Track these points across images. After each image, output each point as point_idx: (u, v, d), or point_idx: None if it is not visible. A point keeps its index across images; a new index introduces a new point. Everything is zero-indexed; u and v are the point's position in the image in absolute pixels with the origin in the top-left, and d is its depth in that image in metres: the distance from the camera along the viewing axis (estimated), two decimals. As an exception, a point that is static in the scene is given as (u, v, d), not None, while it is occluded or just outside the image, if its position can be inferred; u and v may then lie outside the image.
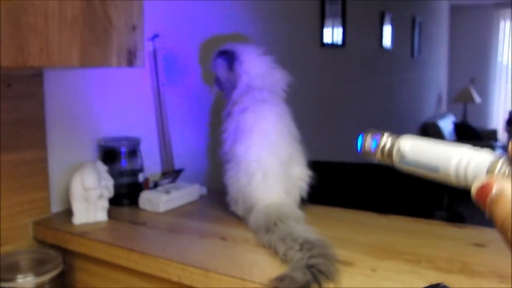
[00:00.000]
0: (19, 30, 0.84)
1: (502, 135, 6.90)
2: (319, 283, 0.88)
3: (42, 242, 1.27)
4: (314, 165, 1.33)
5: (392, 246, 1.08)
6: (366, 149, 0.52)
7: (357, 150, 0.53)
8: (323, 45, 2.84)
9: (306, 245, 0.99)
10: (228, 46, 1.41)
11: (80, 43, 0.95)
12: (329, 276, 0.90)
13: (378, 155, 0.51)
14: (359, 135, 0.54)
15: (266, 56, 1.39)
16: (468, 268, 0.95)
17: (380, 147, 0.51)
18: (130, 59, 1.04)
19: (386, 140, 0.50)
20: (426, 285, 0.86)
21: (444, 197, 1.96)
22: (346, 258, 0.99)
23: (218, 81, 1.45)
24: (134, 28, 1.06)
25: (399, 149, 0.48)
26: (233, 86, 1.37)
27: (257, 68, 1.36)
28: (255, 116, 1.27)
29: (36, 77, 1.25)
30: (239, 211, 1.27)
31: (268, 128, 1.26)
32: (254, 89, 1.32)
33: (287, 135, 1.29)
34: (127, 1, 1.03)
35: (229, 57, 1.38)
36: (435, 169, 0.44)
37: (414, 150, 0.47)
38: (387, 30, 4.09)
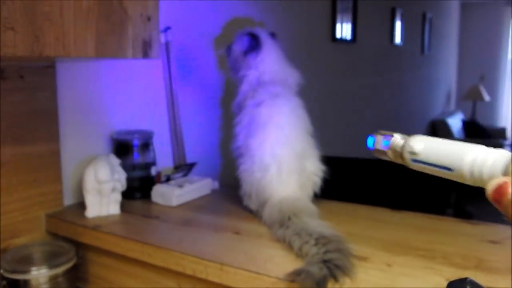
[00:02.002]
0: (34, 19, 0.83)
1: (511, 134, 6.85)
2: (335, 278, 0.87)
3: (55, 235, 1.27)
4: (326, 160, 1.32)
5: (406, 242, 1.07)
6: (378, 148, 0.53)
7: (369, 148, 0.54)
8: (334, 40, 2.82)
9: (321, 240, 0.98)
10: (258, 30, 1.40)
11: (96, 33, 0.94)
12: (345, 271, 0.89)
13: (390, 154, 0.51)
14: (368, 136, 0.55)
15: (282, 52, 1.39)
16: (483, 264, 0.94)
17: (392, 147, 0.51)
18: (146, 50, 1.03)
19: (397, 140, 0.51)
20: (443, 280, 0.85)
21: (451, 194, 1.94)
22: (361, 253, 0.99)
23: (231, 57, 1.44)
24: (149, 19, 1.05)
25: (411, 149, 0.48)
26: (238, 68, 1.37)
27: (274, 64, 1.36)
28: (270, 110, 1.26)
29: (48, 68, 1.24)
30: (253, 205, 1.26)
31: (282, 122, 1.25)
32: (268, 83, 1.31)
33: (301, 129, 1.28)
34: (142, -8, 1.02)
35: (253, 42, 1.37)
36: (448, 168, 0.44)
37: (427, 150, 0.47)
38: (398, 27, 4.07)
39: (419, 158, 0.47)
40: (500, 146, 5.61)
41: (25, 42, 0.82)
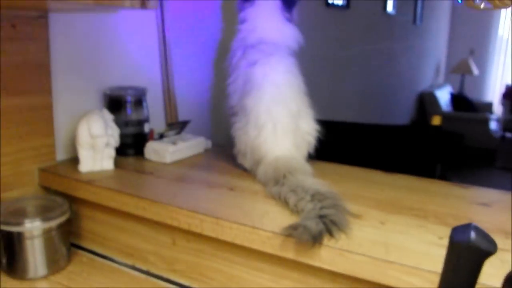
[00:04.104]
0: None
1: (497, 108, 6.91)
2: (331, 233, 0.88)
3: (47, 189, 1.26)
4: (319, 123, 1.32)
5: (399, 202, 1.08)
6: None
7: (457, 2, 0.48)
8: (328, 5, 2.79)
9: (317, 196, 0.98)
10: None
11: (93, -20, 0.91)
12: (340, 227, 0.90)
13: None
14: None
15: (278, 11, 1.36)
16: (474, 224, 0.95)
17: None
18: (143, 0, 1.00)
19: None
20: (435, 238, 0.87)
21: (437, 166, 1.96)
22: (355, 211, 1.00)
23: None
24: (146, -32, 1.02)
25: None
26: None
27: (268, 21, 1.34)
28: (264, 68, 1.24)
29: (41, 18, 1.21)
30: (247, 163, 1.26)
31: (277, 80, 1.24)
32: (261, 42, 1.29)
33: (296, 88, 1.27)
34: None
35: None
36: None
37: None
38: (391, -5, 4.04)
39: None
40: (487, 120, 5.67)
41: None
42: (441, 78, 7.08)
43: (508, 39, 7.13)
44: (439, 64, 6.85)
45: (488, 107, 6.70)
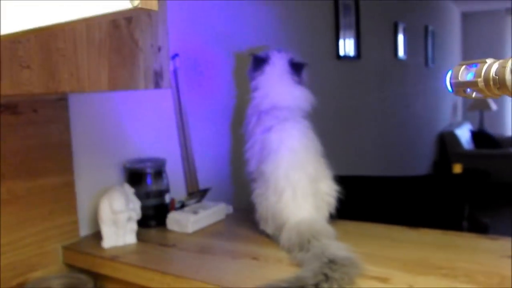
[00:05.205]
0: (49, 56, 0.84)
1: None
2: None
3: (72, 267, 1.26)
4: (337, 179, 1.32)
5: (426, 261, 1.06)
6: (459, 83, 0.47)
7: (448, 89, 0.49)
8: (339, 57, 2.83)
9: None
10: (268, 54, 1.44)
11: (108, 66, 0.95)
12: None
13: (481, 84, 0.46)
14: (448, 71, 0.49)
15: (287, 74, 1.40)
16: (506, 281, 0.93)
17: (484, 73, 0.46)
18: (157, 81, 1.04)
19: (489, 64, 0.45)
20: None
21: (465, 207, 1.93)
22: (381, 274, 0.98)
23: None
24: (159, 49, 1.06)
25: None
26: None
27: (279, 87, 1.37)
28: (280, 135, 1.27)
29: (61, 101, 1.25)
30: (269, 229, 1.25)
31: (294, 145, 1.26)
32: (274, 108, 1.32)
33: (313, 150, 1.29)
34: (152, 23, 1.04)
35: (256, 63, 1.42)
36: None
37: None
38: (401, 40, 4.08)
39: None
40: (510, 154, 5.57)
41: (41, 79, 0.83)
42: (459, 116, 7.04)
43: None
44: (456, 102, 6.83)
45: (510, 141, 6.59)
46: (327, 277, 0.92)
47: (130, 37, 0.99)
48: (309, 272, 0.94)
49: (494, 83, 0.45)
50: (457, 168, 1.98)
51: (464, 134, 6.10)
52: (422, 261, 1.06)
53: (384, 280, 0.96)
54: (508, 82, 0.44)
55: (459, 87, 0.49)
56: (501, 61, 0.45)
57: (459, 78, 0.48)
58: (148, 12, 1.02)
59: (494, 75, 0.45)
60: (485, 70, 0.46)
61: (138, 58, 1.01)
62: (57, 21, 0.42)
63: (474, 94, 0.47)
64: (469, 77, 0.48)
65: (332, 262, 0.97)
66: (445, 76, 0.50)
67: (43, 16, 0.45)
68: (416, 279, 0.96)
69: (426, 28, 4.98)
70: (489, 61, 0.46)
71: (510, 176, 5.27)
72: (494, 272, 0.97)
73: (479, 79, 0.46)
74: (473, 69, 0.47)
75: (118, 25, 0.97)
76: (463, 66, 0.48)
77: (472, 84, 0.47)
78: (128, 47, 0.99)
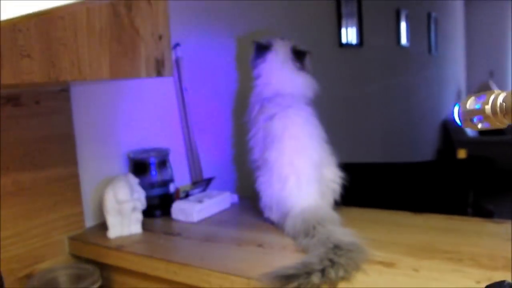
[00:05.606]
0: (49, 45, 0.84)
1: (525, 128, 6.77)
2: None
3: (78, 257, 1.27)
4: (341, 167, 1.32)
5: (431, 245, 1.06)
6: (467, 112, 0.48)
7: (456, 123, 0.49)
8: (341, 45, 2.82)
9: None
10: (271, 41, 1.43)
11: (109, 55, 0.94)
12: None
13: (489, 115, 0.47)
14: (455, 104, 0.50)
15: (290, 61, 1.39)
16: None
17: (492, 101, 0.47)
18: (158, 69, 1.03)
19: (498, 93, 0.47)
20: (473, 283, 0.84)
21: (469, 193, 1.93)
22: (386, 259, 0.98)
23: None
24: (160, 37, 1.05)
25: None
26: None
27: (281, 75, 1.37)
28: (283, 122, 1.26)
29: (63, 92, 1.25)
30: (274, 216, 1.25)
31: (297, 132, 1.26)
32: (276, 95, 1.32)
33: (316, 137, 1.28)
34: (152, 11, 1.03)
35: (258, 51, 1.41)
36: None
37: None
38: (403, 28, 4.05)
39: None
40: (515, 141, 5.56)
41: (42, 68, 0.82)
42: (463, 103, 7.00)
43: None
44: (460, 90, 6.80)
45: (515, 128, 6.57)
46: (333, 263, 0.92)
47: (131, 25, 0.99)
48: (315, 258, 0.94)
49: (501, 110, 0.46)
50: (462, 154, 1.97)
51: (468, 121, 6.07)
52: (427, 246, 1.06)
53: (389, 265, 0.96)
54: None
55: (467, 115, 0.50)
56: (509, 91, 0.46)
57: (467, 107, 0.49)
58: (148, 1, 1.02)
59: (501, 101, 0.46)
60: (493, 98, 0.47)
61: (139, 46, 1.00)
62: (56, 4, 0.42)
63: (480, 125, 0.48)
64: (477, 107, 0.48)
65: (337, 247, 0.97)
66: (453, 110, 0.50)
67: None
68: (421, 263, 0.96)
69: (429, 15, 4.95)
70: (497, 91, 0.47)
71: (515, 163, 5.26)
72: (499, 255, 0.97)
73: (486, 106, 0.47)
74: (481, 101, 0.48)
75: (118, 13, 0.96)
76: (472, 97, 0.49)
77: (480, 112, 0.48)
78: (129, 36, 0.98)
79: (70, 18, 0.87)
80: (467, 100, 0.49)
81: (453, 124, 5.68)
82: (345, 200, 1.31)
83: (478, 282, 0.86)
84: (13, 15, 0.47)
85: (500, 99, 0.46)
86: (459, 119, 0.51)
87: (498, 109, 0.46)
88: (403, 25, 4.04)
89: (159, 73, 1.03)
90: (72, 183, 1.28)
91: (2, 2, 0.47)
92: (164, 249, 1.17)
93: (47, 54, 0.83)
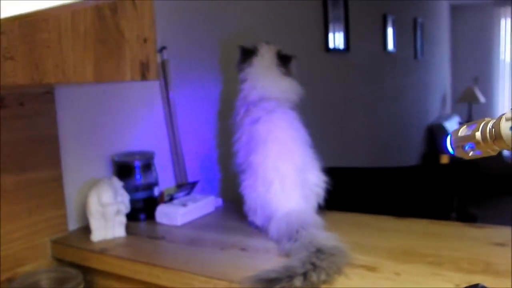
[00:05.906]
0: (33, 47, 0.83)
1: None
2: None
3: (61, 261, 1.26)
4: (325, 171, 1.33)
5: (413, 249, 1.07)
6: (458, 139, 0.50)
7: (449, 152, 0.51)
8: (328, 50, 2.84)
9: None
10: (256, 46, 1.44)
11: (94, 58, 0.94)
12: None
13: (479, 141, 0.48)
14: (447, 135, 0.51)
15: (275, 66, 1.40)
16: (491, 268, 0.94)
17: (482, 127, 0.48)
18: (143, 72, 1.03)
19: (488, 121, 0.48)
20: (452, 286, 0.86)
21: (454, 198, 1.95)
22: (368, 263, 1.00)
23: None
24: (145, 40, 1.05)
25: (508, 116, 0.45)
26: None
27: (266, 79, 1.38)
28: (268, 125, 1.27)
29: (47, 94, 1.25)
30: (258, 220, 1.26)
31: (282, 136, 1.26)
32: (262, 99, 1.32)
33: (300, 141, 1.29)
34: (138, 14, 1.03)
35: (243, 55, 1.42)
36: None
37: None
38: (390, 33, 4.09)
39: None
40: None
41: (25, 71, 0.82)
42: (448, 109, 7.07)
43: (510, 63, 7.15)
44: (445, 95, 6.87)
45: (499, 133, 6.64)
46: (315, 266, 0.92)
47: (116, 28, 0.98)
48: (297, 262, 0.94)
49: (491, 136, 0.48)
50: (445, 159, 2.00)
51: (453, 126, 6.13)
52: (409, 250, 1.07)
53: (371, 268, 0.97)
54: (503, 131, 0.46)
55: (458, 142, 0.51)
56: (498, 117, 0.48)
57: (459, 135, 0.51)
58: (134, 3, 1.02)
59: (490, 127, 0.48)
60: (483, 125, 0.49)
61: (124, 49, 1.00)
62: (41, 7, 0.42)
63: (471, 153, 0.49)
64: (468, 134, 0.51)
65: (320, 251, 0.98)
66: (445, 140, 0.51)
67: (27, 2, 0.44)
68: (403, 267, 0.97)
69: (415, 21, 4.99)
70: (488, 119, 0.49)
71: (498, 168, 5.32)
72: (478, 259, 0.99)
73: (477, 133, 0.49)
74: (472, 129, 0.50)
75: (103, 16, 0.96)
76: (464, 126, 0.51)
77: (470, 138, 0.49)
78: (114, 38, 0.98)
79: (54, 21, 0.86)
80: (459, 129, 0.51)
81: (437, 129, 5.74)
82: (329, 204, 1.32)
83: (457, 285, 0.87)
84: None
85: (489, 125, 0.48)
86: (451, 147, 0.52)
87: (488, 135, 0.48)
88: (389, 31, 4.07)
89: (144, 77, 1.03)
90: (56, 186, 1.27)
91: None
92: (148, 253, 1.17)
93: (31, 57, 0.83)
